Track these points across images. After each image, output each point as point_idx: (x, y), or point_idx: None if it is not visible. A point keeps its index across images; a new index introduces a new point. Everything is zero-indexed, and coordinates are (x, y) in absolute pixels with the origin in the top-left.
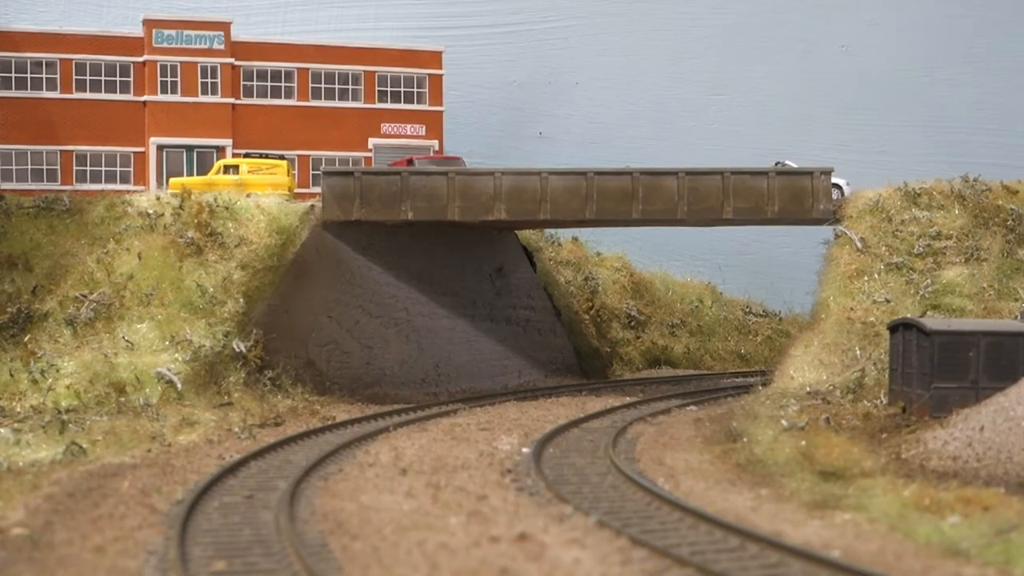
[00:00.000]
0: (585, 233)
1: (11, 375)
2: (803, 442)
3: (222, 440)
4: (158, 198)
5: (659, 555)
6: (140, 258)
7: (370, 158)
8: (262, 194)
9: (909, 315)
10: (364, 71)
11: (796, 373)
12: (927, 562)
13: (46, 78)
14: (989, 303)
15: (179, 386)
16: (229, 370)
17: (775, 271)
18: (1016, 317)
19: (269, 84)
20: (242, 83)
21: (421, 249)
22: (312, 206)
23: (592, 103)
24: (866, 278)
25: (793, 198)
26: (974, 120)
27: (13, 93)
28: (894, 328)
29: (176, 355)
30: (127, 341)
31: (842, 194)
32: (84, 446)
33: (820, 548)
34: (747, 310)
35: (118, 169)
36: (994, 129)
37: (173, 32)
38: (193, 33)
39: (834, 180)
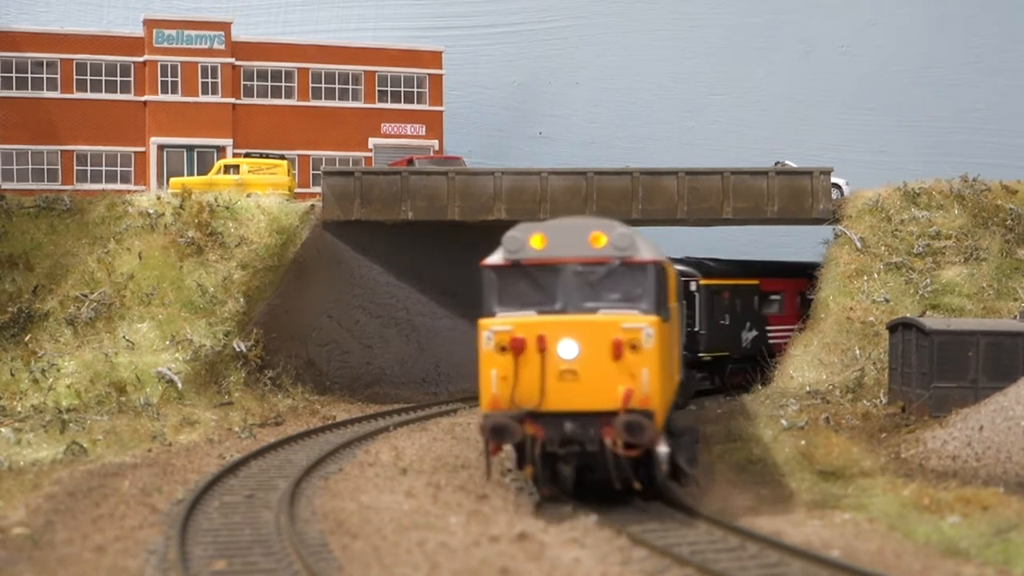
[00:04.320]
0: None
1: (12, 375)
2: (803, 442)
3: (222, 439)
4: (159, 198)
5: (659, 554)
6: (140, 258)
7: (370, 158)
8: (262, 194)
9: (908, 315)
10: (364, 71)
11: (796, 373)
12: (926, 562)
13: (47, 78)
14: (988, 303)
15: (179, 386)
16: (229, 370)
17: None
18: (1015, 317)
19: (269, 84)
20: (242, 83)
21: (421, 249)
22: (312, 206)
23: (592, 103)
24: (865, 278)
25: (793, 198)
26: (974, 120)
27: (14, 93)
28: (893, 328)
29: (176, 355)
30: (128, 341)
31: (841, 194)
32: (85, 446)
33: (820, 548)
34: None
35: (119, 169)
36: (994, 129)
37: (173, 32)
38: (193, 33)
39: (834, 180)
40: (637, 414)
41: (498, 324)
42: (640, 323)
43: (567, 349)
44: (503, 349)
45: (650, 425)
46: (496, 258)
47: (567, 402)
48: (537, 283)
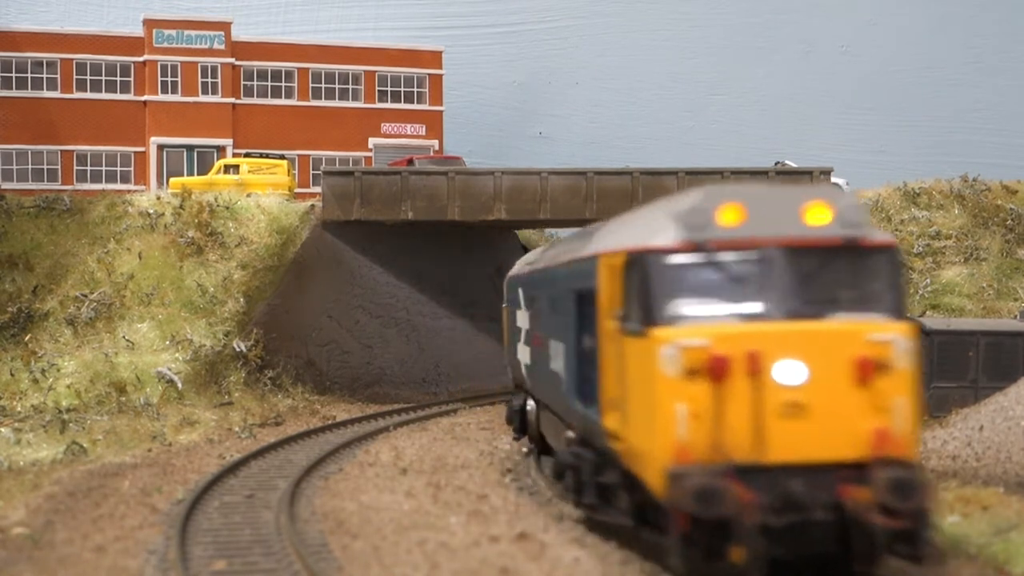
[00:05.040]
0: None
1: (12, 375)
2: None
3: (222, 439)
4: (158, 198)
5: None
6: (140, 258)
7: (370, 158)
8: (262, 194)
9: (909, 315)
10: (364, 71)
11: None
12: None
13: (47, 78)
14: (988, 303)
15: (179, 386)
16: (229, 370)
17: None
18: (1016, 317)
19: (269, 84)
20: (242, 83)
21: (421, 249)
22: (312, 206)
23: (592, 103)
24: None
25: None
26: (974, 120)
27: (14, 93)
28: None
29: (176, 355)
30: (128, 341)
31: None
32: (85, 445)
33: None
34: None
35: (118, 169)
36: (994, 129)
37: (173, 32)
38: (193, 33)
39: (834, 180)
40: (897, 465)
41: (687, 336)
42: (891, 333)
43: (791, 372)
44: (694, 373)
45: (924, 482)
46: (666, 238)
47: (793, 449)
48: (733, 275)
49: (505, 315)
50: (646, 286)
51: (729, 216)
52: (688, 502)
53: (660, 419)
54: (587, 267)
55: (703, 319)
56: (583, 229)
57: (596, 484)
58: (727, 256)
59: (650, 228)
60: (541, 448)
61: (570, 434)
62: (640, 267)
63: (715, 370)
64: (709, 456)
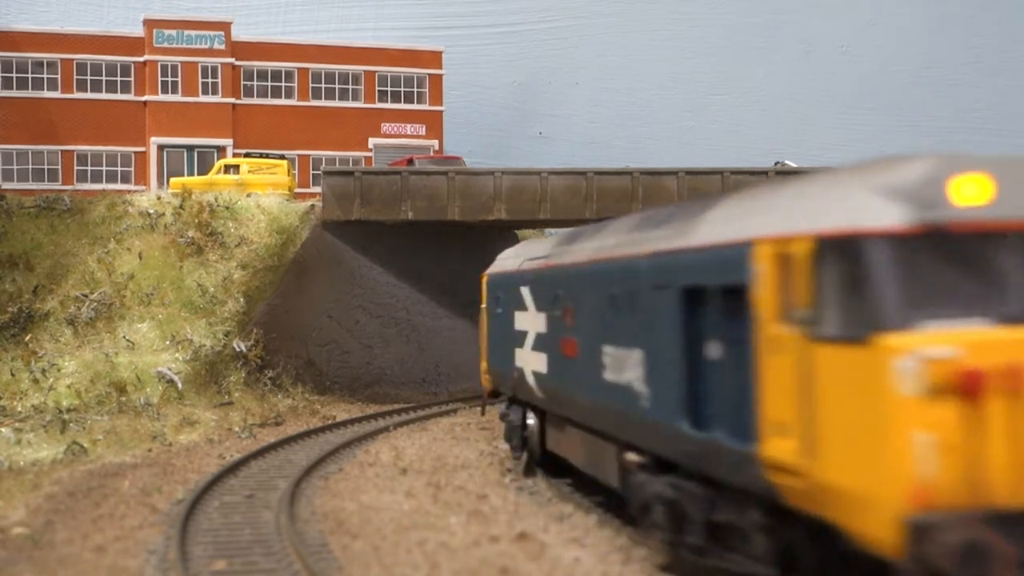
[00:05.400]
0: None
1: (12, 375)
2: None
3: (222, 439)
4: (159, 198)
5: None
6: (141, 258)
7: (370, 158)
8: (262, 194)
9: None
10: (364, 71)
11: None
12: None
13: (47, 78)
14: None
15: (180, 386)
16: (229, 370)
17: None
18: None
19: (269, 84)
20: (242, 83)
21: (421, 249)
22: (312, 206)
23: (592, 103)
24: None
25: None
26: (974, 120)
27: (14, 93)
28: None
29: (177, 355)
30: (128, 341)
31: None
32: (85, 445)
33: None
34: None
35: (119, 169)
36: (994, 129)
37: (173, 32)
38: (193, 33)
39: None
40: None
41: (931, 344)
42: None
43: None
44: (940, 392)
45: None
46: (887, 217)
47: None
48: (977, 267)
49: (487, 317)
50: (865, 280)
51: (971, 191)
52: (948, 562)
53: (892, 452)
54: (719, 257)
55: (945, 323)
56: (649, 214)
57: (706, 523)
58: (970, 242)
59: (846, 205)
60: (544, 462)
61: (632, 457)
62: (850, 256)
63: (968, 388)
64: (961, 500)
